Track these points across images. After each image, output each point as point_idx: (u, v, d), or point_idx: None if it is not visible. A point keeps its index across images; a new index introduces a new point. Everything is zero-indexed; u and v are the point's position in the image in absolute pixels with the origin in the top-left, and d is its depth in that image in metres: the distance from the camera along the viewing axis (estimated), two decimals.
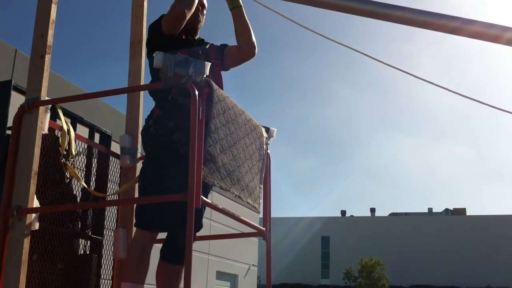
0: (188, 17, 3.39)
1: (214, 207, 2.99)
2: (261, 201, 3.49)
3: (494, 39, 2.70)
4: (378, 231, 60.18)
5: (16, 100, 3.40)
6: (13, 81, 3.53)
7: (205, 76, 2.89)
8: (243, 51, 3.71)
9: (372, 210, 68.17)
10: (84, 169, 3.80)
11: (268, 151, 3.64)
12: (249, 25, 3.67)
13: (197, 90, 2.82)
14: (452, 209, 65.95)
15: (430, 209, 67.93)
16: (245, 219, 3.31)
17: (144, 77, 4.23)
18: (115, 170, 4.05)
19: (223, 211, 3.06)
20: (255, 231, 3.61)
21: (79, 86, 10.30)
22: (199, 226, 3.45)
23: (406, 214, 65.92)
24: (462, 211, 64.38)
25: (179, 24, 3.38)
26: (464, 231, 58.47)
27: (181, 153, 3.12)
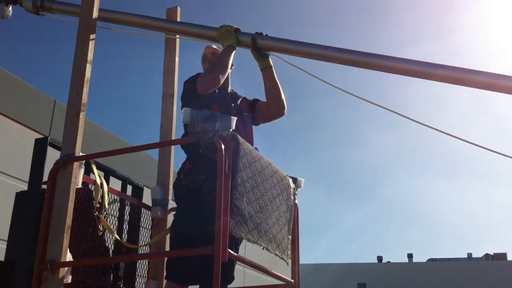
0: (221, 82, 3.48)
1: (242, 260, 3.01)
2: (290, 252, 3.49)
3: (506, 89, 2.65)
4: (416, 278, 58.64)
5: (52, 155, 3.53)
6: (49, 138, 3.67)
7: (231, 130, 2.96)
8: (273, 110, 3.76)
9: (410, 256, 66.50)
10: (117, 221, 3.88)
11: (296, 201, 3.66)
12: (279, 85, 3.69)
13: (224, 144, 2.88)
14: (492, 254, 63.93)
15: (469, 254, 65.98)
16: (274, 271, 3.30)
17: (176, 130, 4.33)
18: (146, 221, 4.13)
19: (250, 264, 3.08)
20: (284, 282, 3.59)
21: (113, 133, 10.37)
22: (230, 278, 3.47)
23: (445, 259, 64.14)
24: (503, 256, 62.36)
25: (213, 88, 3.48)
26: (505, 277, 56.55)
27: (211, 206, 3.16)
